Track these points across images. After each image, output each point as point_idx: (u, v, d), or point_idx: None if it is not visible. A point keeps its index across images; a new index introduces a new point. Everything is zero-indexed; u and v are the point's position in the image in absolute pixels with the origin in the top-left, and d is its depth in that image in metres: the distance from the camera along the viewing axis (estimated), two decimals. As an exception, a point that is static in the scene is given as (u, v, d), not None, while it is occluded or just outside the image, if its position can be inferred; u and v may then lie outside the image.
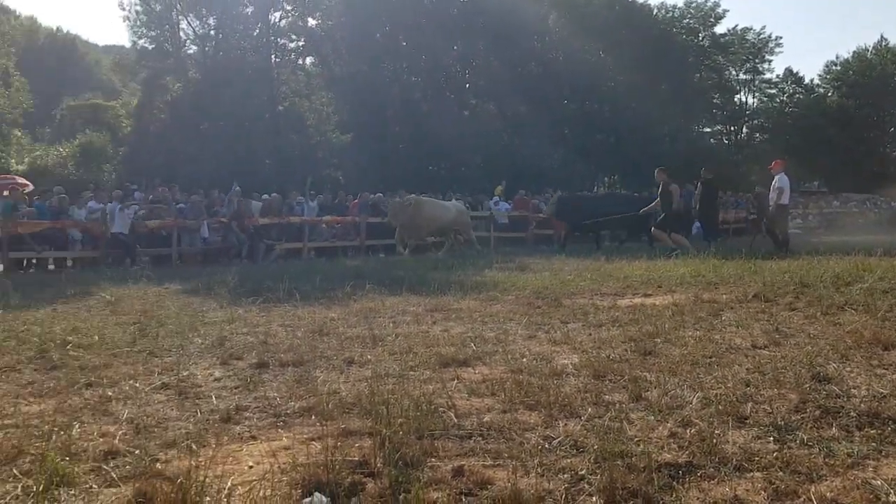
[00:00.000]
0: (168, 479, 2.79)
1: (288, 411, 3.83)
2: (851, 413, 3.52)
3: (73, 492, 2.81)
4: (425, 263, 12.89)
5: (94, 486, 2.87)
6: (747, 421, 3.47)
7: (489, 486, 2.80)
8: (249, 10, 29.11)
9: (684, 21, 45.13)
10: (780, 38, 49.89)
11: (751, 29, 47.31)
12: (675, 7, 45.31)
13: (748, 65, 47.98)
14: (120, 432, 3.48)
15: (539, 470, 2.90)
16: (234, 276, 9.59)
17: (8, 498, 2.76)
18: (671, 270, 9.87)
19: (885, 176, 41.36)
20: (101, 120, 32.65)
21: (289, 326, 6.48)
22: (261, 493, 2.69)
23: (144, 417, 3.74)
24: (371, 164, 28.05)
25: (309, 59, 33.60)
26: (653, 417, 3.54)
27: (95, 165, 28.45)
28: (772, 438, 3.22)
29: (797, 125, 46.33)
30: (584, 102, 38.98)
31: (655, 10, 44.14)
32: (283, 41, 30.51)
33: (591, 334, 5.76)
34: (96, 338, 5.83)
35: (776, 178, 14.41)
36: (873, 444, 3.15)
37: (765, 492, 2.70)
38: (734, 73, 48.37)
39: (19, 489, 2.82)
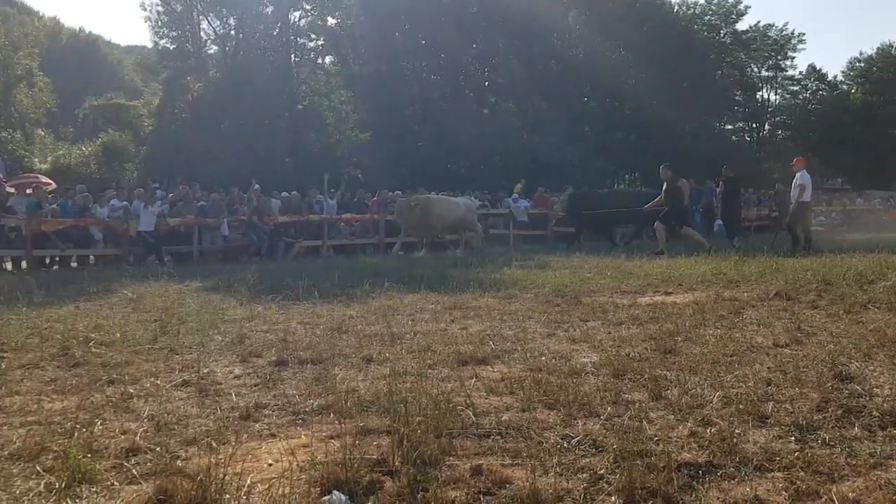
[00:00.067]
0: (188, 477, 2.81)
1: (307, 409, 3.85)
2: (874, 412, 3.47)
3: (94, 489, 2.84)
4: (444, 261, 12.89)
5: (115, 483, 2.90)
6: (768, 420, 3.43)
7: (507, 486, 2.80)
8: (269, 9, 29.19)
9: (705, 18, 44.80)
10: (803, 34, 49.16)
11: (773, 25, 46.88)
12: (696, 4, 44.91)
13: (770, 62, 47.47)
14: (141, 429, 3.52)
15: (558, 469, 2.89)
16: (253, 274, 9.63)
17: (31, 494, 2.79)
18: (692, 268, 9.79)
19: (909, 173, 40.91)
20: (123, 119, 33.04)
21: (308, 324, 6.50)
22: (280, 491, 2.70)
23: (165, 415, 3.78)
24: (390, 162, 28.10)
25: (328, 59, 33.61)
26: (673, 416, 3.52)
27: (117, 164, 28.84)
28: (793, 438, 3.19)
29: (820, 122, 45.92)
30: (605, 100, 38.76)
31: (676, 7, 43.92)
32: (302, 40, 30.52)
33: (610, 332, 5.73)
34: (118, 335, 5.89)
35: (797, 175, 14.32)
36: (896, 444, 3.10)
37: (786, 492, 2.68)
38: (756, 70, 47.89)
39: (42, 486, 2.85)
